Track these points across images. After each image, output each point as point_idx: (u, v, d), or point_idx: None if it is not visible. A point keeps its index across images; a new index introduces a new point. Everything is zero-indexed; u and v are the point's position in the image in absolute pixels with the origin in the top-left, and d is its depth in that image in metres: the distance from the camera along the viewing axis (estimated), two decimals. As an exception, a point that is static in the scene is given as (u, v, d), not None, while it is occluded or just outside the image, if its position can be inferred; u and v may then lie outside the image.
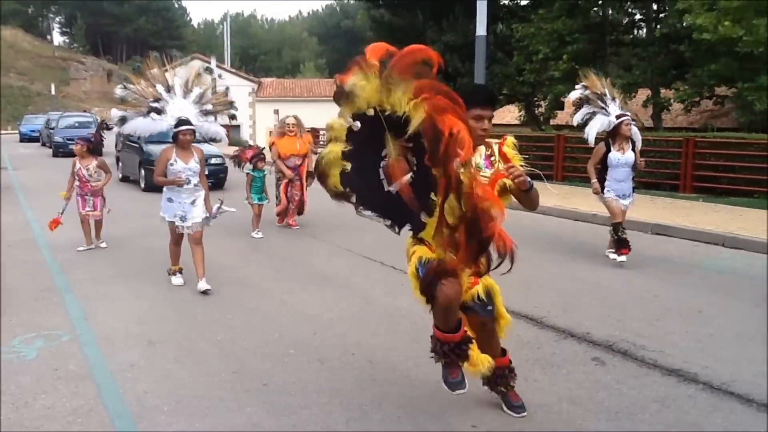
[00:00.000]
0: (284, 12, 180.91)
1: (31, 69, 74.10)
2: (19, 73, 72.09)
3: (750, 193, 12.73)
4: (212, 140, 8.30)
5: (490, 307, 3.53)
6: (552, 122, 23.53)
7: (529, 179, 3.30)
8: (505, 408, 3.78)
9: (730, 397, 4.02)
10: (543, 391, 4.12)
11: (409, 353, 4.68)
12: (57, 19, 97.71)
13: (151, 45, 79.05)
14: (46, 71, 74.40)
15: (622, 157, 7.42)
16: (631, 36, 21.61)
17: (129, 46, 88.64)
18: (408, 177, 3.09)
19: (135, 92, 6.66)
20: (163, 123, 6.54)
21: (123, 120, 6.66)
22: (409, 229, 3.36)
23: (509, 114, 28.51)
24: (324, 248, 8.58)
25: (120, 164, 17.56)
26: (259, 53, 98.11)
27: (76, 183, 8.36)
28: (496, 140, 3.59)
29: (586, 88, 7.90)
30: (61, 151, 24.72)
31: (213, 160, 14.46)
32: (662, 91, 18.94)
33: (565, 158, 16.42)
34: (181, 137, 6.38)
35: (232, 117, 7.39)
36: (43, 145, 32.83)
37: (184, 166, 6.41)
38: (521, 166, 3.43)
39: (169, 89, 6.71)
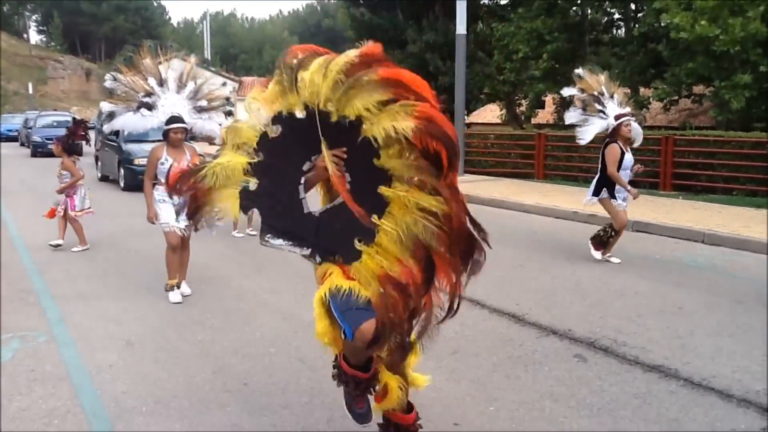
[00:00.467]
0: (264, 11, 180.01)
1: (7, 68, 72.92)
2: (-6, 71, 71.01)
3: (729, 191, 12.88)
4: (208, 139, 7.67)
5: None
6: (533, 121, 23.61)
7: None
8: None
9: (711, 393, 4.04)
10: (525, 388, 4.12)
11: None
12: (33, 17, 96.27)
13: (129, 44, 78.31)
14: (23, 70, 73.27)
15: (625, 159, 7.19)
16: (610, 35, 21.77)
17: (107, 45, 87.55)
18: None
19: (125, 84, 6.18)
20: (153, 120, 6.12)
21: (111, 116, 6.26)
22: (334, 260, 2.76)
23: (490, 113, 28.55)
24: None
25: (99, 163, 17.33)
26: (240, 52, 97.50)
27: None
28: None
29: (582, 90, 7.50)
30: (40, 150, 24.45)
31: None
32: (641, 89, 19.09)
33: (546, 156, 16.49)
34: (172, 135, 5.98)
35: (229, 114, 6.77)
36: (22, 144, 32.36)
37: (176, 167, 5.83)
38: None
39: (162, 83, 6.24)
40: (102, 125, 11.27)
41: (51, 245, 8.22)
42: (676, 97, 17.51)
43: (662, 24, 15.82)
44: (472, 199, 12.65)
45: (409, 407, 3.18)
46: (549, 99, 22.16)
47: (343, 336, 2.76)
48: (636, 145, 7.59)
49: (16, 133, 35.82)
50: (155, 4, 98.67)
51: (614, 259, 7.46)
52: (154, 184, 6.09)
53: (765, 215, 9.88)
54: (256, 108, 2.80)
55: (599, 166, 7.44)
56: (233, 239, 8.95)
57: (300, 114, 2.65)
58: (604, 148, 7.32)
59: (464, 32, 15.92)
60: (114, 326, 5.33)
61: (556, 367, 4.46)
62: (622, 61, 18.43)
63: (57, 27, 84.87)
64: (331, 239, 2.73)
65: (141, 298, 6.18)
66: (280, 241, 2.80)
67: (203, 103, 6.47)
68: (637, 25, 19.02)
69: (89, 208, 8.50)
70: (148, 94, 6.18)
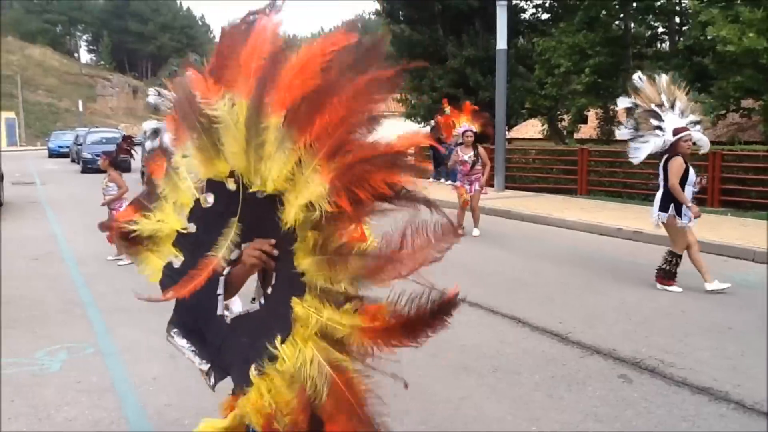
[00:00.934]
0: (306, 29, 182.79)
1: (59, 86, 75.55)
2: (47, 90, 73.55)
3: (779, 208, 12.49)
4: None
5: None
6: (575, 136, 23.36)
7: None
8: None
9: (763, 417, 3.90)
10: (568, 408, 4.04)
11: (428, 369, 4.63)
12: (84, 37, 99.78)
13: (174, 59, 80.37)
14: (73, 88, 75.85)
15: (689, 175, 6.85)
16: (654, 49, 21.47)
17: (153, 63, 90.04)
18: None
19: (170, 100, 6.40)
20: None
21: (156, 132, 6.20)
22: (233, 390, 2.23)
23: (532, 128, 28.37)
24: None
25: (145, 178, 17.73)
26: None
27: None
28: None
29: (636, 105, 7.08)
30: (90, 167, 24.97)
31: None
32: (687, 104, 18.76)
33: (589, 172, 16.27)
34: None
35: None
36: (73, 161, 33.20)
37: None
38: None
39: None
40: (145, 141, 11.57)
41: (111, 259, 8.37)
42: (723, 111, 17.13)
43: (708, 37, 15.51)
44: (513, 215, 12.55)
45: None
46: (592, 114, 21.91)
47: None
48: (703, 152, 7.17)
49: (67, 150, 36.91)
50: (200, 23, 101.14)
51: (720, 285, 6.76)
52: None
53: (819, 233, 9.53)
54: (184, 170, 2.15)
55: (661, 182, 7.00)
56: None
57: (231, 186, 1.99)
58: (665, 163, 6.88)
59: (504, 47, 15.89)
60: (158, 339, 5.39)
61: (600, 387, 4.36)
62: (666, 75, 18.14)
63: (107, 46, 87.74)
64: (231, 356, 2.14)
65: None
66: (184, 342, 2.27)
67: None
68: (681, 39, 18.73)
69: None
70: None
